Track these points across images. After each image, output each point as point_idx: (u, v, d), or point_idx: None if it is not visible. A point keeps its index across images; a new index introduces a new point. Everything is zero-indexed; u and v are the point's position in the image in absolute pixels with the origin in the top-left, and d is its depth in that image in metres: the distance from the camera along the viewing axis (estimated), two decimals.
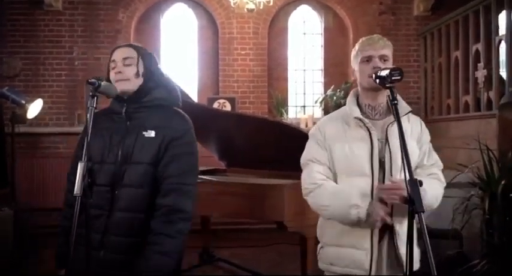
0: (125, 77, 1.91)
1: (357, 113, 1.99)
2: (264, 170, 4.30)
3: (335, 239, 2.03)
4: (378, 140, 1.97)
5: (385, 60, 1.99)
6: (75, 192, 1.59)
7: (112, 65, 1.95)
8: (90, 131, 1.66)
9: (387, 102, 2.00)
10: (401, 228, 1.93)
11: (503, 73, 4.84)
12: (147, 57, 1.98)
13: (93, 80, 1.74)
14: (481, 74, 4.92)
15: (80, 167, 1.61)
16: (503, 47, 4.67)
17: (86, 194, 1.60)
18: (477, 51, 5.07)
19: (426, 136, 2.11)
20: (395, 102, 1.78)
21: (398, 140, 1.78)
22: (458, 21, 5.50)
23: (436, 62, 6.08)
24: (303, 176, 2.09)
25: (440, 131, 5.65)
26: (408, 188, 1.63)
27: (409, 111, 1.99)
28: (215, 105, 6.46)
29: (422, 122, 2.14)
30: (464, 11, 5.32)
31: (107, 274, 1.84)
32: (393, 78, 1.80)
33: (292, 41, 7.14)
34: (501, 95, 4.64)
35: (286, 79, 7.08)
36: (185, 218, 1.87)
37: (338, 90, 6.76)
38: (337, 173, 2.01)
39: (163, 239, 1.80)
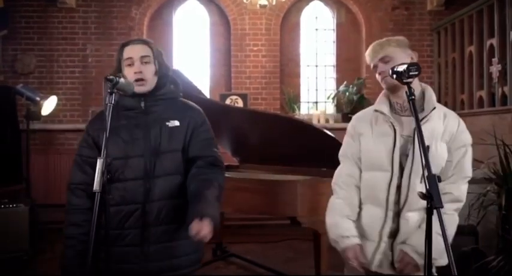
0: (145, 76, 1.94)
1: (384, 108, 2.05)
2: (277, 165, 4.31)
3: None
4: (402, 136, 1.99)
5: (386, 62, 2.02)
6: (94, 188, 1.61)
7: (128, 62, 1.94)
8: (108, 128, 1.67)
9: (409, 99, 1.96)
10: (408, 216, 1.97)
11: None
12: (160, 54, 2.03)
13: (111, 77, 1.74)
14: (495, 69, 4.88)
15: (99, 163, 1.62)
16: None
17: (105, 190, 1.61)
18: (491, 46, 5.02)
19: (462, 139, 2.02)
20: (413, 97, 1.78)
21: (427, 142, 1.84)
22: (472, 16, 5.46)
23: (450, 57, 6.04)
24: (336, 170, 2.19)
25: None
26: (427, 183, 1.63)
27: (434, 108, 1.98)
28: (227, 101, 6.48)
29: (461, 122, 2.05)
30: (479, 6, 5.27)
31: (151, 266, 1.93)
32: (410, 73, 1.79)
33: (305, 37, 7.12)
34: None
35: (298, 75, 7.07)
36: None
37: (350, 86, 6.75)
38: (362, 166, 2.09)
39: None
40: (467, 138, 2.04)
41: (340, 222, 2.06)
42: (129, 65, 1.94)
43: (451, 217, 2.00)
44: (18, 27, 6.48)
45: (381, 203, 1.99)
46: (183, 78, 3.90)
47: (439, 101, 6.30)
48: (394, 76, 1.86)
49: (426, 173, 1.64)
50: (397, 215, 1.99)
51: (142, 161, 1.91)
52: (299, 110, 6.87)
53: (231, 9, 6.75)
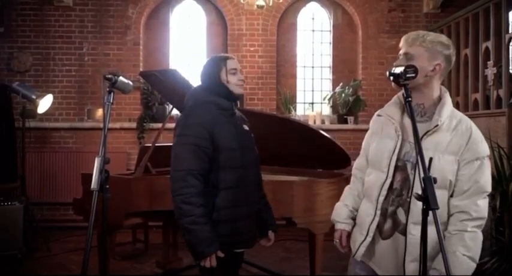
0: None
1: (393, 112, 2.05)
2: (273, 166, 4.32)
3: None
4: (408, 142, 1.96)
5: (408, 58, 1.94)
6: (92, 187, 1.61)
7: (233, 71, 2.41)
8: (107, 126, 1.67)
9: (434, 103, 1.99)
10: (415, 230, 1.86)
11: None
12: None
13: (110, 76, 1.75)
14: (490, 72, 4.90)
15: (97, 162, 1.62)
16: None
17: (103, 189, 1.61)
18: (487, 49, 5.04)
19: (474, 152, 1.90)
20: (410, 99, 1.78)
21: (431, 154, 1.81)
22: (468, 19, 5.48)
23: None
24: None
25: None
26: (422, 185, 1.64)
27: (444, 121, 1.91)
28: None
29: (474, 133, 1.94)
30: (474, 9, 5.29)
31: None
32: (407, 75, 1.79)
33: (301, 38, 7.13)
34: (511, 93, 4.63)
35: (294, 76, 7.08)
36: None
37: (346, 87, 6.77)
38: (369, 162, 2.14)
39: None
40: (482, 150, 1.92)
41: (338, 207, 2.23)
42: (234, 73, 2.40)
43: (474, 234, 1.87)
44: (14, 25, 6.46)
45: (373, 200, 2.01)
46: (180, 78, 3.91)
47: None
48: (391, 78, 1.87)
49: (422, 174, 1.65)
50: (384, 214, 1.98)
51: (239, 153, 2.35)
52: (295, 110, 6.88)
53: (228, 10, 6.75)
